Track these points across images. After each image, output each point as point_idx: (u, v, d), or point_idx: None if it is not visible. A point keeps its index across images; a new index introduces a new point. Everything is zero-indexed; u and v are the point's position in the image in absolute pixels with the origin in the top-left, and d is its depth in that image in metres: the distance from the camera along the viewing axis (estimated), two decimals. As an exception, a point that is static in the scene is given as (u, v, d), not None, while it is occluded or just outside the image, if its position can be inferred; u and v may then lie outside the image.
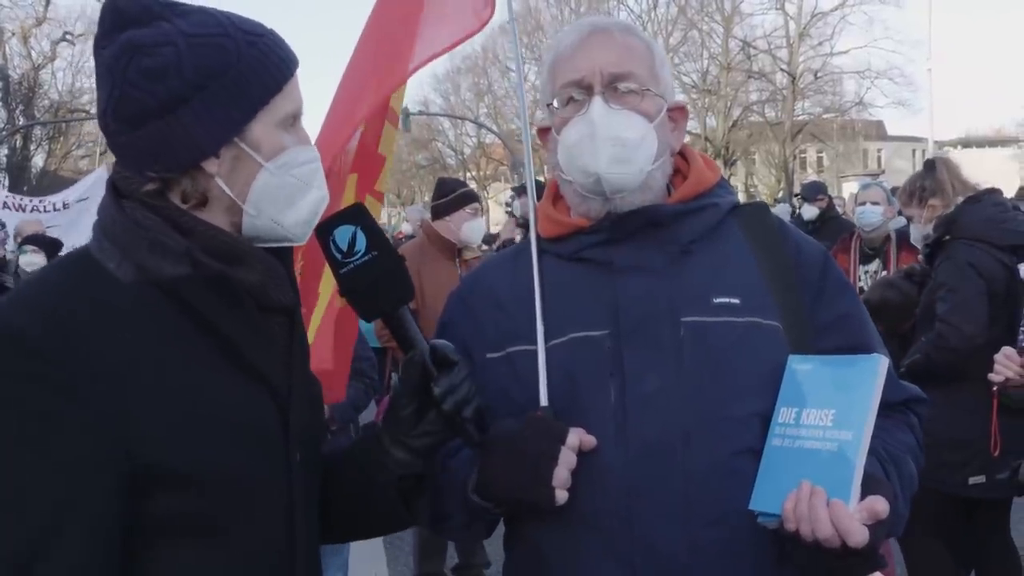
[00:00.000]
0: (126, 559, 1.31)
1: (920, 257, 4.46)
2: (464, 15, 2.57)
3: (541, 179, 5.60)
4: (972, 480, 3.93)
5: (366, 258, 1.49)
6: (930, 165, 4.56)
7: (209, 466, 1.34)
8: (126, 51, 1.37)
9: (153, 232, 1.38)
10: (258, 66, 1.41)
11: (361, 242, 1.49)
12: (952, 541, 4.16)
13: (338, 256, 1.50)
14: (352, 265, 1.49)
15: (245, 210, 1.44)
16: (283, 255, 1.53)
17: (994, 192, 4.39)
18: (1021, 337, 3.71)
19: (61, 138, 39.65)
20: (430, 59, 2.72)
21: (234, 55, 1.39)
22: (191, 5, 1.43)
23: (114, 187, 1.45)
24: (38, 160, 39.48)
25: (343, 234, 1.50)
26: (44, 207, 11.64)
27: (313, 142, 1.55)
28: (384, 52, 2.74)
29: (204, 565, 1.36)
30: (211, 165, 1.41)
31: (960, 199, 4.25)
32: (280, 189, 1.45)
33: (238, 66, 1.39)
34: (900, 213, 5.13)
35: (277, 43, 1.46)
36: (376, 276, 1.49)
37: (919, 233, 4.51)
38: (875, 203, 5.64)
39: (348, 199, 2.78)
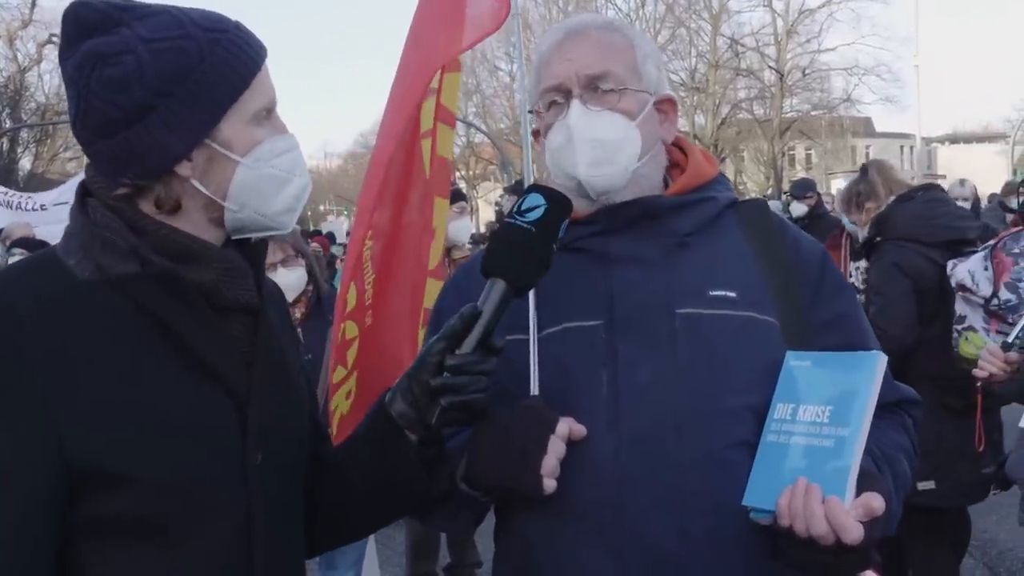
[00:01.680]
0: (71, 558, 1.30)
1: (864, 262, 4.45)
2: (480, 17, 2.64)
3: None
4: (921, 486, 3.85)
5: (523, 224, 1.51)
6: (863, 169, 4.56)
7: (151, 466, 1.32)
8: (87, 61, 1.35)
9: (106, 231, 1.37)
10: (223, 65, 1.38)
11: (535, 214, 1.52)
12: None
13: (514, 208, 1.55)
14: (512, 222, 1.53)
15: (226, 206, 1.43)
16: (254, 255, 1.51)
17: (930, 188, 4.33)
18: (955, 336, 3.68)
19: (48, 140, 39.35)
20: (449, 59, 2.81)
21: (196, 56, 1.36)
22: (152, 6, 1.40)
23: (84, 189, 1.44)
24: (25, 163, 39.19)
25: (533, 199, 1.54)
26: (25, 205, 11.57)
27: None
28: (417, 55, 2.83)
29: (150, 566, 1.34)
30: (184, 169, 1.39)
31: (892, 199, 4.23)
32: (261, 182, 1.44)
33: (202, 67, 1.36)
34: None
35: (242, 38, 1.42)
36: (516, 243, 1.51)
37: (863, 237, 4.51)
38: (863, 200, 5.64)
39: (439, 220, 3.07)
